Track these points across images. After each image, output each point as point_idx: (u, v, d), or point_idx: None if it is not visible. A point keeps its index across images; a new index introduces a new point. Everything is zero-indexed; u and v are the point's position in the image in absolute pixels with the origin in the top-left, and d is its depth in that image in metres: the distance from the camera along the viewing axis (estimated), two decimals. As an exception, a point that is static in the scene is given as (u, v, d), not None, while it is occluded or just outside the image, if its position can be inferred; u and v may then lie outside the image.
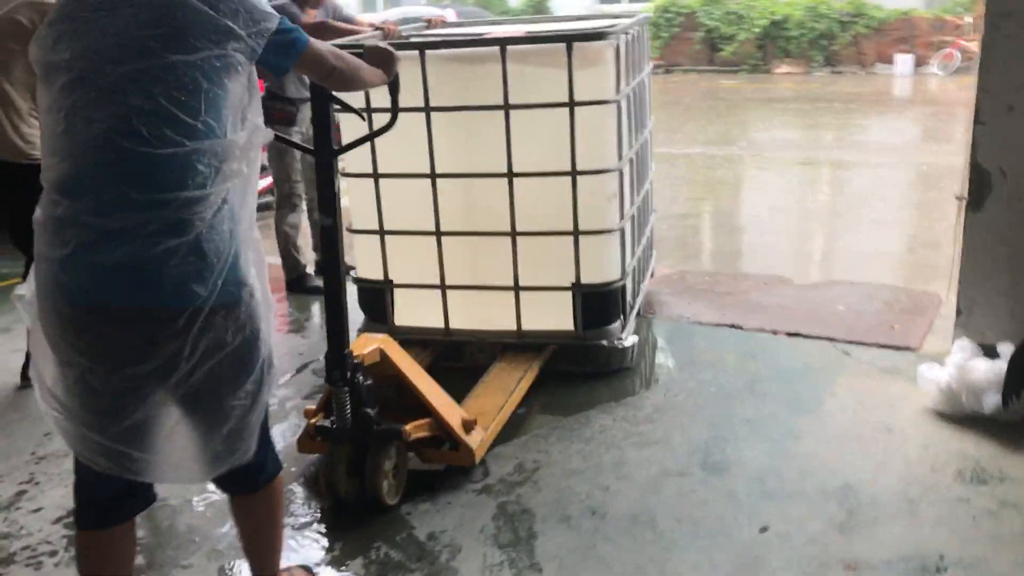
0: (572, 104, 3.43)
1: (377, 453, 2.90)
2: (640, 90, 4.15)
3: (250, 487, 2.24)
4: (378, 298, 3.87)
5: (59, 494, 3.02)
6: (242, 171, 1.98)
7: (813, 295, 4.65)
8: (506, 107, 3.47)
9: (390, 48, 2.55)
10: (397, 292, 3.85)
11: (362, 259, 3.89)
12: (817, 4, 18.14)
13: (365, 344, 3.00)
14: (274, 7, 4.44)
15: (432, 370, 3.72)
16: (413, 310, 3.86)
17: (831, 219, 6.61)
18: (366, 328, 3.96)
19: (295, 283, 4.96)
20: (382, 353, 3.02)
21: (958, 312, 3.43)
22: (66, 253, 1.87)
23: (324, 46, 2.20)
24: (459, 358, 3.85)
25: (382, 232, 3.77)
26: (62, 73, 1.91)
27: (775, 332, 4.13)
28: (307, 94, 4.01)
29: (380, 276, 3.83)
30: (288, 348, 4.25)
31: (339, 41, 3.91)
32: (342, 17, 4.79)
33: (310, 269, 5.03)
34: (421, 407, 3.05)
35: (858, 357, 3.81)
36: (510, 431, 3.31)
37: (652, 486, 2.92)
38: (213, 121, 1.91)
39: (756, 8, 18.55)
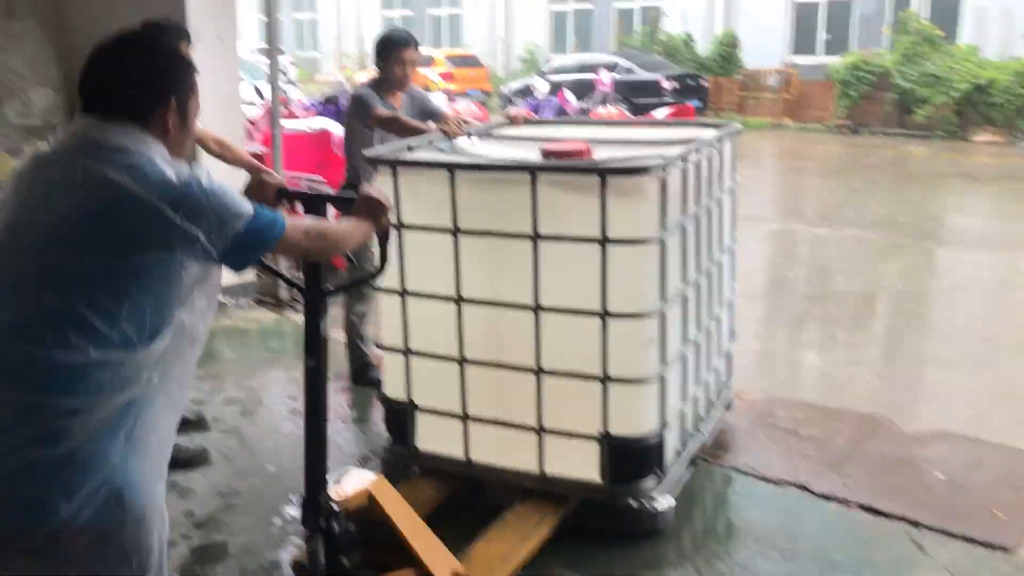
0: (604, 241, 3.08)
1: (352, 605, 2.70)
2: (713, 212, 3.74)
3: None
4: (401, 419, 3.64)
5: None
6: (151, 380, 1.77)
7: (913, 452, 4.03)
8: (535, 237, 3.17)
9: (381, 198, 2.36)
10: (419, 416, 3.60)
11: (389, 376, 3.67)
12: (1029, 69, 16.63)
13: (354, 484, 2.80)
14: (354, 96, 4.43)
15: (450, 505, 3.50)
16: (436, 436, 3.60)
17: (981, 343, 5.81)
18: (390, 449, 3.74)
19: (357, 373, 4.82)
20: (370, 496, 2.81)
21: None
22: None
23: (300, 229, 2.01)
24: (479, 493, 3.56)
25: (407, 351, 3.54)
26: None
27: (847, 502, 3.57)
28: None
29: (404, 397, 3.60)
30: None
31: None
32: (428, 108, 4.63)
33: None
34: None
35: (934, 554, 3.21)
36: (505, 597, 2.99)
37: None
38: (131, 330, 1.72)
39: (957, 71, 17.20)
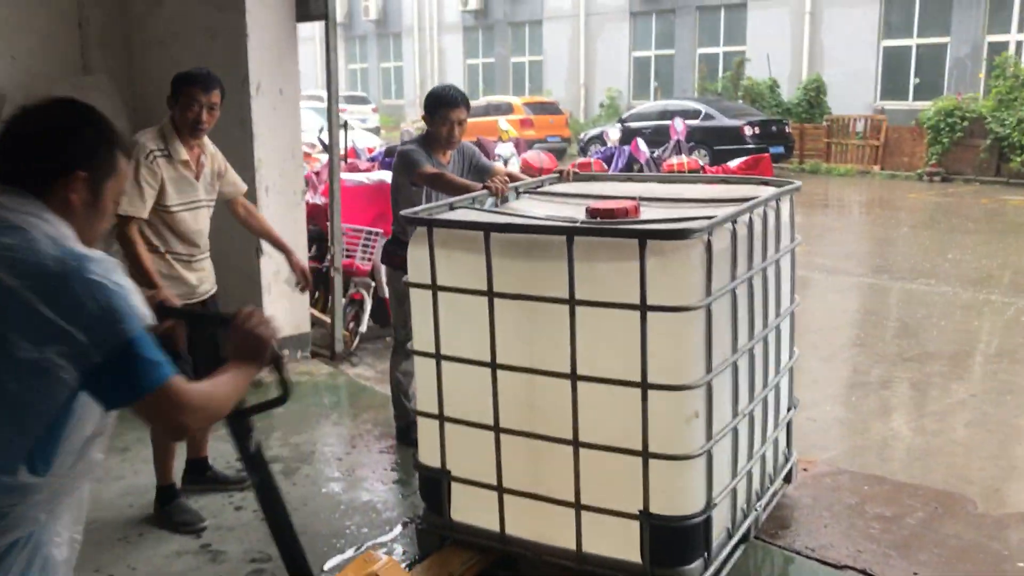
0: (644, 308, 2.90)
1: None
2: (769, 275, 3.52)
3: None
4: (435, 488, 3.49)
5: None
6: (38, 519, 1.62)
7: (990, 535, 3.69)
8: (571, 302, 3.01)
9: (260, 331, 1.95)
10: (454, 485, 3.45)
11: (423, 442, 3.53)
12: None
13: (363, 567, 2.65)
14: (401, 151, 4.36)
15: (485, 577, 3.35)
16: (470, 507, 3.44)
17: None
18: (425, 519, 3.59)
19: (402, 433, 4.70)
20: None
21: None
22: None
23: (182, 397, 1.67)
24: (514, 568, 3.38)
25: (442, 418, 3.40)
26: None
27: (915, 593, 3.28)
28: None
29: (438, 464, 3.46)
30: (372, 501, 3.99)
31: None
32: (477, 164, 4.54)
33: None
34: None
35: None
36: None
37: None
38: (13, 439, 1.55)
39: (1058, 116, 16.44)
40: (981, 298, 8.12)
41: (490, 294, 3.16)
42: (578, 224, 3.11)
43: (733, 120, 18.62)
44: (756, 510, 3.59)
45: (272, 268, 5.82)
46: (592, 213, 3.32)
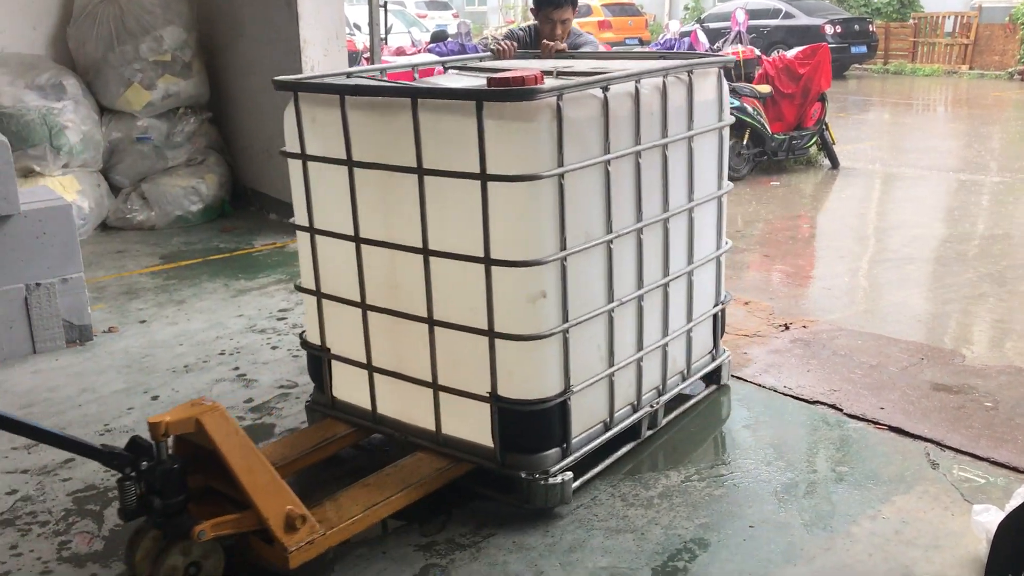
0: (484, 177, 2.71)
1: (166, 548, 2.51)
2: (675, 155, 3.25)
3: None
4: (318, 365, 3.43)
5: None
6: None
7: (968, 382, 3.77)
8: (419, 171, 2.84)
9: None
10: (334, 363, 3.37)
11: (307, 320, 3.46)
12: None
13: (185, 411, 2.54)
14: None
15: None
16: (348, 385, 3.37)
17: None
18: (313, 396, 3.54)
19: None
20: (197, 423, 2.52)
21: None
22: None
23: None
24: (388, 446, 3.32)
25: (319, 294, 3.30)
26: None
27: (876, 423, 3.38)
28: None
29: (319, 342, 3.38)
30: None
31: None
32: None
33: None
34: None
35: (947, 470, 3.08)
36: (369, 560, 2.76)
37: None
38: None
39: None
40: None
41: (349, 163, 3.01)
42: (423, 87, 2.91)
43: (814, 19, 17.64)
44: (652, 406, 3.40)
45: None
46: (489, 83, 3.09)
